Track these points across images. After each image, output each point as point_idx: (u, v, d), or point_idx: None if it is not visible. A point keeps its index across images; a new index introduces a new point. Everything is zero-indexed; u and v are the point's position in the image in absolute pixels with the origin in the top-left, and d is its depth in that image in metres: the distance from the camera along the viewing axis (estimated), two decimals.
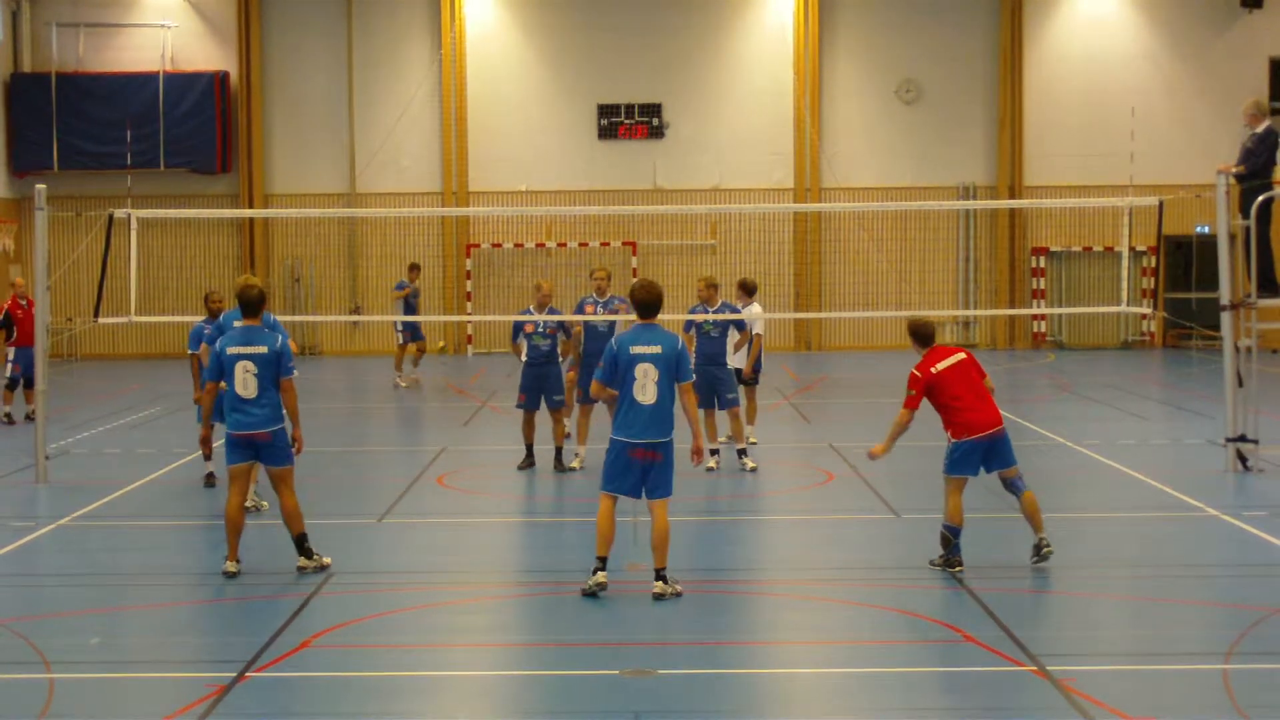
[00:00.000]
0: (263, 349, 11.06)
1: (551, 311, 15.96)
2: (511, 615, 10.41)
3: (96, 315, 17.20)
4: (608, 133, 31.99)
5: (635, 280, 12.23)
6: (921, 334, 11.21)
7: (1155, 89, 31.85)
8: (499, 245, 31.92)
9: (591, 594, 10.29)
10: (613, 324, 15.80)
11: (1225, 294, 15.59)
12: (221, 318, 13.71)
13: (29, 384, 18.86)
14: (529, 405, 15.69)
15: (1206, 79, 31.80)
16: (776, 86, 32.00)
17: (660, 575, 10.32)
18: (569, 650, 9.22)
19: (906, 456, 17.25)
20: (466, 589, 10.84)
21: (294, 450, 11.18)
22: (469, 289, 31.79)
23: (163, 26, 31.85)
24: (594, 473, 13.25)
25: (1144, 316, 30.85)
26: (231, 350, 11.07)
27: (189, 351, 14.82)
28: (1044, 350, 31.67)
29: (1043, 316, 32.17)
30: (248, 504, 11.94)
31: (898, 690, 8.38)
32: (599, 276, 16.10)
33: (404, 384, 24.46)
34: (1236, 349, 15.49)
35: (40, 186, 16.27)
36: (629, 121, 31.97)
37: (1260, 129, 15.62)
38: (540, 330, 15.58)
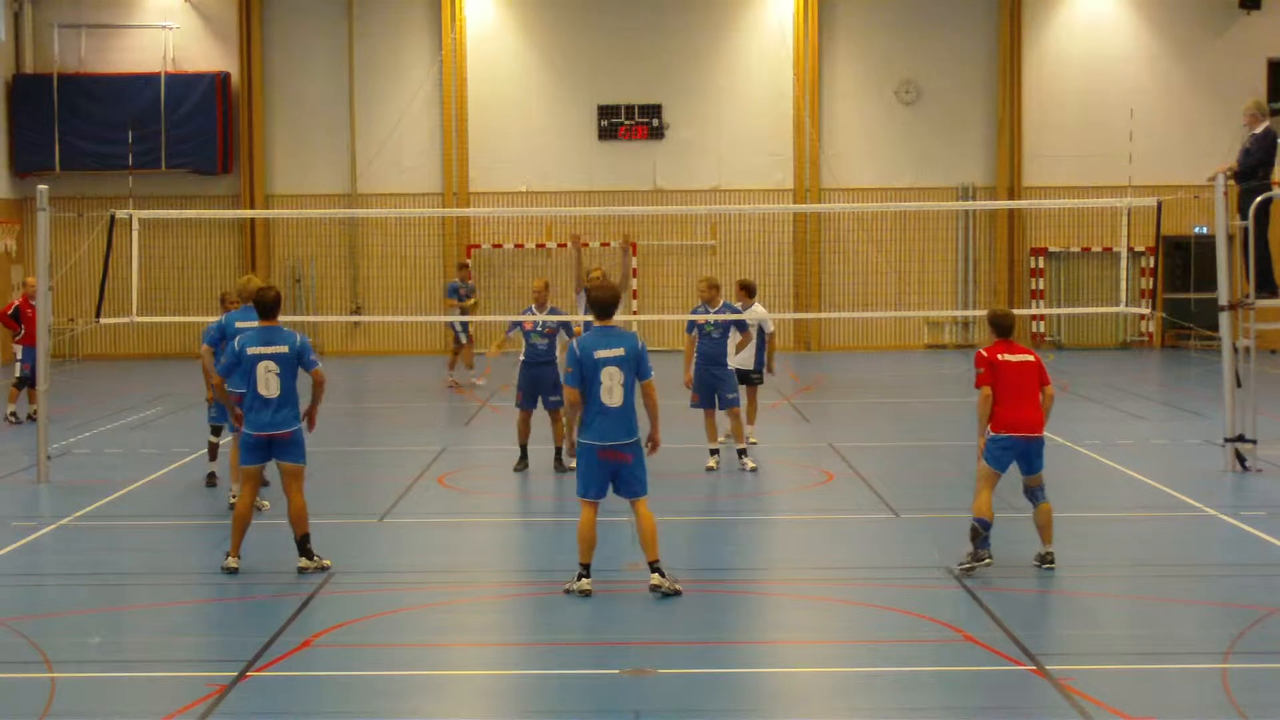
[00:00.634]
0: (283, 348, 11.12)
1: (553, 311, 15.99)
2: (511, 615, 10.44)
3: (98, 315, 17.24)
4: (608, 133, 32.02)
5: (591, 280, 12.26)
6: (999, 323, 11.26)
7: (1154, 90, 31.88)
8: (499, 246, 31.95)
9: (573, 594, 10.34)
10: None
11: (1223, 294, 15.61)
12: (224, 319, 13.70)
13: (32, 384, 18.88)
14: (525, 405, 15.72)
15: (1205, 80, 31.82)
16: (776, 87, 32.03)
17: (655, 568, 10.37)
18: (569, 650, 9.25)
19: (907, 456, 17.31)
20: (466, 589, 10.86)
21: (307, 426, 11.22)
22: None
23: (164, 28, 31.87)
24: None
25: (1143, 317, 30.87)
26: (253, 350, 11.11)
27: (204, 345, 13.76)
28: (1043, 350, 31.66)
29: (1042, 317, 32.19)
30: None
31: (897, 690, 8.41)
32: (596, 276, 16.13)
33: (454, 382, 24.53)
34: (1235, 349, 15.52)
35: (42, 187, 16.30)
36: (629, 122, 32.00)
37: (1259, 130, 15.64)
38: (538, 329, 15.62)
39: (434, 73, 31.85)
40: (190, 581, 11.22)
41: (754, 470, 15.66)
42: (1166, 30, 32.05)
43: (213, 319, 14.48)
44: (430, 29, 32.00)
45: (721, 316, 15.89)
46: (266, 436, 11.07)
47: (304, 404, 11.36)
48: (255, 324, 11.47)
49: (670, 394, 19.16)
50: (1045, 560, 10.99)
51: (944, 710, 8.13)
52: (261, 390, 11.06)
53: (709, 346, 15.86)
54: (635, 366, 10.47)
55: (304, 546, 11.11)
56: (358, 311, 31.62)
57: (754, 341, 16.67)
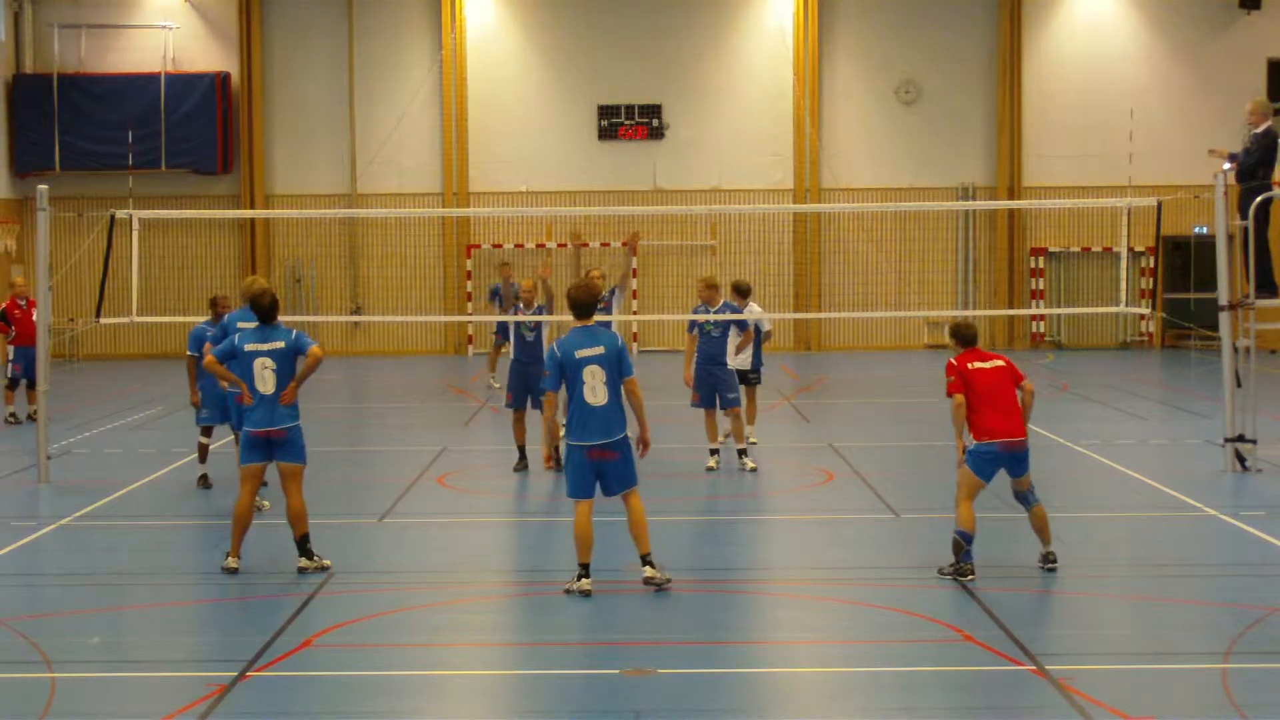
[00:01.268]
0: (279, 344, 11.14)
1: (539, 311, 16.01)
2: (511, 615, 10.44)
3: (98, 315, 17.24)
4: (608, 133, 32.02)
5: (592, 280, 12.29)
6: (961, 335, 11.25)
7: (1154, 90, 31.88)
8: (499, 246, 31.95)
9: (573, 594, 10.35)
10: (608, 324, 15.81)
11: (1223, 294, 15.61)
12: (226, 319, 13.72)
13: (31, 384, 18.90)
14: (517, 404, 15.73)
15: (1205, 80, 31.83)
16: (776, 87, 32.03)
17: (647, 560, 10.42)
18: (569, 650, 9.25)
19: (907, 456, 17.31)
20: (467, 589, 10.86)
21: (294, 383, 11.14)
22: (469, 289, 31.82)
23: (164, 28, 31.87)
24: None
25: (1143, 317, 30.87)
26: (249, 347, 11.14)
27: (188, 353, 14.43)
28: (1043, 350, 31.68)
29: (1041, 317, 32.20)
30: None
31: (897, 690, 8.41)
32: (595, 276, 16.11)
33: (497, 385, 24.49)
34: (1235, 349, 15.52)
35: (42, 187, 16.31)
36: (629, 122, 32.00)
37: (1260, 129, 15.65)
38: (527, 322, 15.67)
39: (434, 73, 31.85)
40: (190, 581, 11.23)
41: (754, 470, 15.67)
42: (1166, 30, 32.06)
43: (204, 320, 14.55)
44: (430, 29, 32.00)
45: (721, 316, 15.90)
46: (264, 434, 11.07)
47: (303, 404, 11.36)
48: (254, 324, 11.48)
49: (672, 394, 19.21)
50: (1048, 560, 10.98)
51: (944, 710, 8.13)
52: (258, 386, 11.07)
53: (709, 346, 15.87)
54: (617, 365, 10.50)
55: (304, 546, 11.12)
56: (358, 311, 31.63)
57: (752, 341, 16.66)
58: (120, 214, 17.16)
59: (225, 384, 12.93)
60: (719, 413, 15.92)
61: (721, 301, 16.14)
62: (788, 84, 31.93)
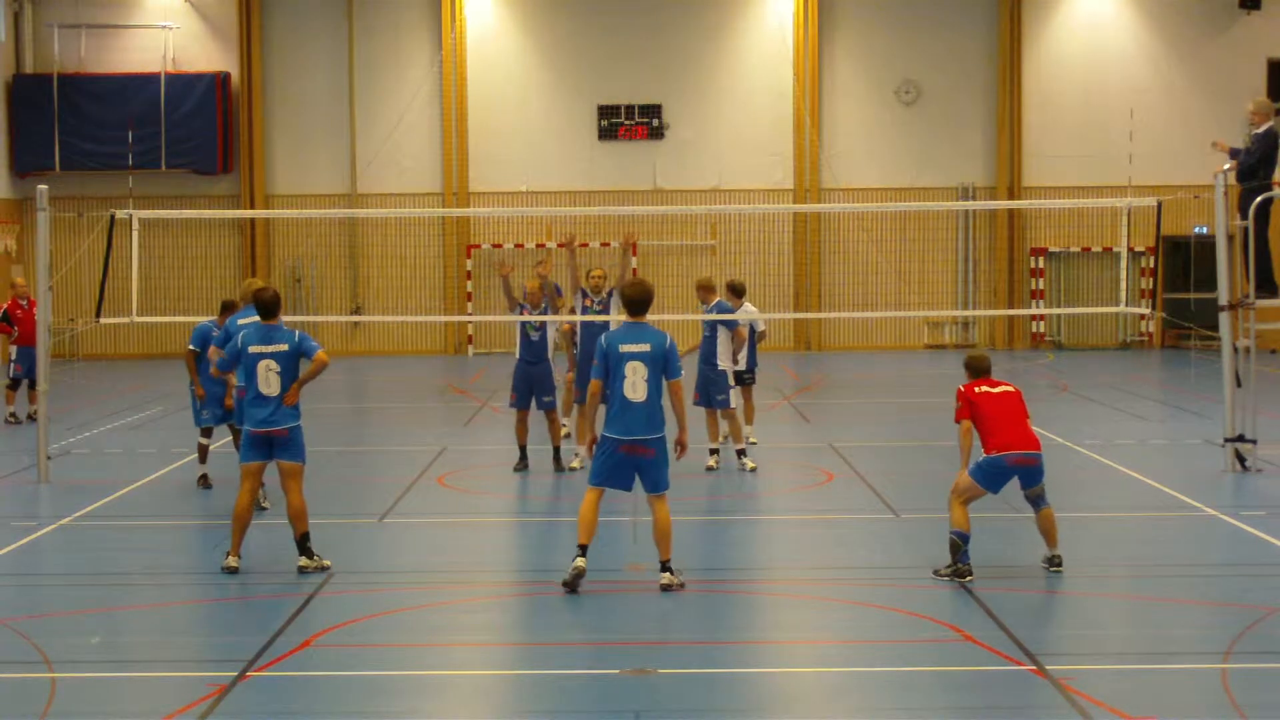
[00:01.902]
0: (283, 346, 11.15)
1: (544, 311, 15.97)
2: (511, 615, 10.43)
3: (98, 315, 17.24)
4: (608, 133, 32.03)
5: (628, 279, 12.27)
6: (975, 366, 11.32)
7: (1154, 90, 31.89)
8: (499, 245, 31.95)
9: (571, 585, 10.34)
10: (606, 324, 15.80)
11: (1223, 294, 15.61)
12: (228, 323, 13.71)
13: (32, 384, 18.89)
14: (520, 405, 15.70)
15: (1205, 80, 31.84)
16: (776, 87, 32.04)
17: (666, 567, 10.45)
18: (569, 650, 9.25)
19: (907, 456, 17.31)
20: (467, 589, 10.86)
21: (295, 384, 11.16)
22: (469, 289, 31.82)
23: (164, 28, 31.88)
24: None
25: (1143, 317, 30.88)
26: (254, 349, 11.14)
27: (190, 347, 14.39)
28: (1043, 350, 31.69)
29: (1041, 317, 32.20)
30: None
31: (897, 690, 8.41)
32: (595, 276, 16.11)
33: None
34: (1235, 349, 15.52)
35: (42, 187, 16.31)
36: (629, 122, 32.01)
37: (1262, 129, 15.64)
38: (533, 321, 15.64)
39: (434, 73, 31.85)
40: (190, 581, 11.23)
41: (754, 470, 15.66)
42: (1166, 30, 32.06)
43: (208, 318, 14.56)
44: (430, 29, 32.00)
45: (711, 316, 15.89)
46: (265, 433, 11.08)
47: (303, 404, 11.36)
48: (255, 319, 11.49)
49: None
50: (1053, 563, 10.98)
51: (944, 710, 8.13)
52: (262, 388, 11.08)
53: (701, 345, 15.90)
54: (663, 364, 10.52)
55: (304, 545, 11.12)
56: (358, 311, 31.63)
57: (746, 342, 16.59)
58: (120, 214, 17.15)
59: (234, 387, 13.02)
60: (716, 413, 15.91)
61: (715, 301, 16.12)
62: (788, 84, 31.94)
